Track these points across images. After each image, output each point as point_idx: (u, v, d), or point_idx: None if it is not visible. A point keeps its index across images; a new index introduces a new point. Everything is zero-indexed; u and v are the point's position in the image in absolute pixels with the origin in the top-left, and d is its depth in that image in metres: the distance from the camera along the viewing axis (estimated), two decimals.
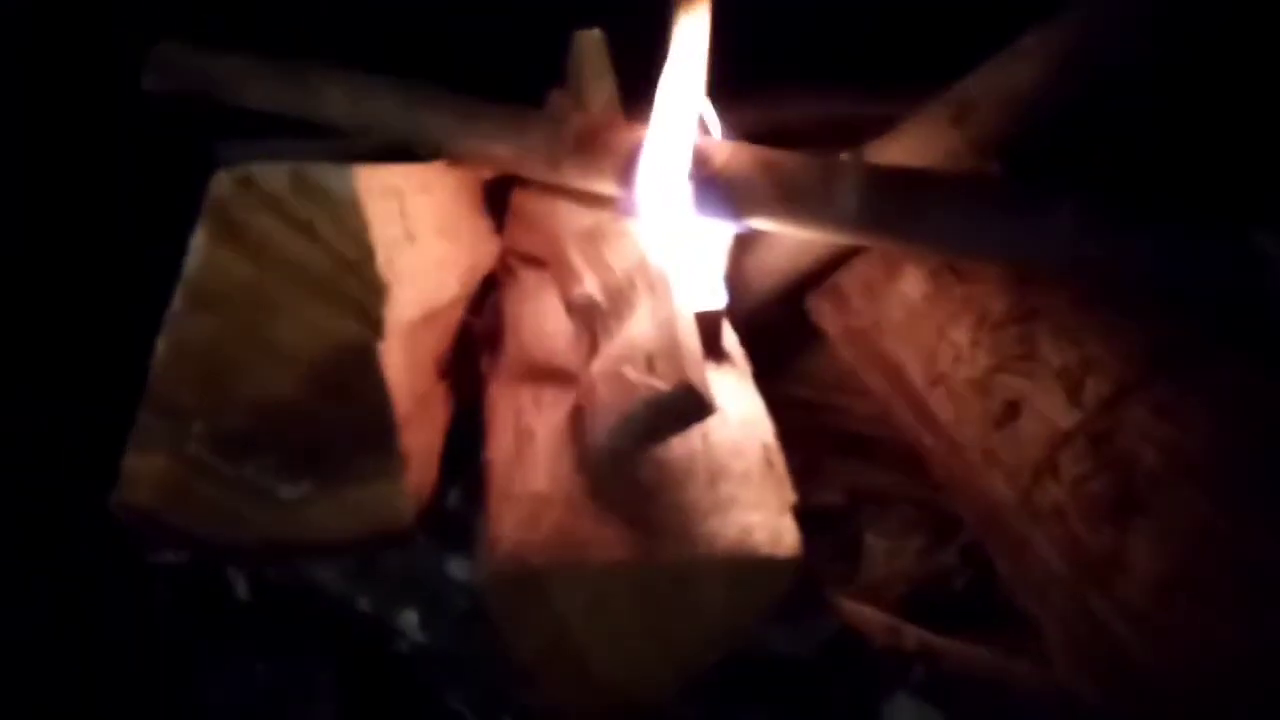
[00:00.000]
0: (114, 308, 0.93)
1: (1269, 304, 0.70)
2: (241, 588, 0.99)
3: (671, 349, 0.76)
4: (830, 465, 1.14)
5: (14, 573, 1.01)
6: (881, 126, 1.06)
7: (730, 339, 0.97)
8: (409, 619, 0.95)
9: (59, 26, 1.28)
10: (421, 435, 0.81)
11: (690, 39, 0.91)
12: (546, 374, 0.91)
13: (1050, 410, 0.77)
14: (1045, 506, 0.74)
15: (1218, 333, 0.73)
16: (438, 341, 0.89)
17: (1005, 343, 0.85)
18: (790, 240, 1.06)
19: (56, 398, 1.15)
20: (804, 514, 1.06)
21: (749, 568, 0.71)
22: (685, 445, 0.80)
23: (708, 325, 0.93)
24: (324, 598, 0.97)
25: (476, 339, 0.97)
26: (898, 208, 0.82)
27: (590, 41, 1.15)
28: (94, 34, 1.26)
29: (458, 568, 0.90)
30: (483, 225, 1.11)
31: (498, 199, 1.16)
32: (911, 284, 1.00)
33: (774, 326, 1.22)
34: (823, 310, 1.17)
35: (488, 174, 1.14)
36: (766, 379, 1.21)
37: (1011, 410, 0.81)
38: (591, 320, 0.88)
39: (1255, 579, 0.57)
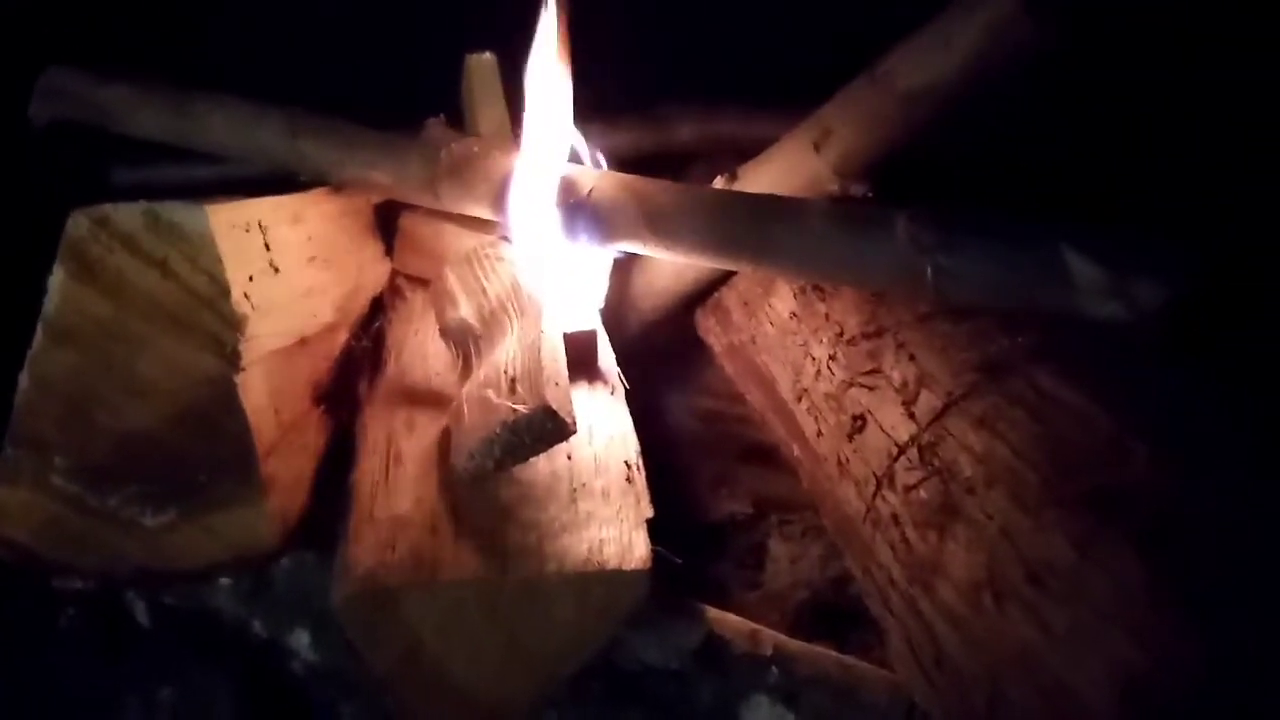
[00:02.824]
0: None
1: (1075, 315, 0.75)
2: (141, 613, 1.00)
3: (534, 372, 0.80)
4: (737, 474, 1.17)
5: None
6: (762, 146, 1.10)
7: (605, 358, 1.00)
8: (300, 639, 0.97)
9: None
10: (290, 460, 0.84)
11: (554, 67, 0.94)
12: (423, 397, 0.94)
13: (890, 423, 0.81)
14: (885, 515, 0.78)
15: (1038, 344, 0.77)
16: (314, 367, 0.92)
17: (856, 359, 0.89)
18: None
19: None
20: (711, 522, 1.10)
21: (598, 582, 0.74)
22: (551, 464, 0.84)
23: (580, 346, 0.96)
24: (220, 621, 0.98)
25: (356, 362, 0.99)
26: (746, 233, 0.86)
27: (482, 65, 1.17)
28: None
29: None
30: (371, 249, 1.14)
31: (392, 221, 1.18)
32: (782, 301, 1.04)
33: (675, 340, 1.26)
34: (708, 326, 1.21)
35: (376, 198, 1.16)
36: (672, 392, 1.25)
37: (860, 423, 0.85)
38: (466, 344, 0.92)
39: (1042, 576, 0.61)
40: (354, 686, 0.96)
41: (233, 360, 0.74)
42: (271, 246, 0.82)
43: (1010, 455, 0.69)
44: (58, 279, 0.74)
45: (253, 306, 0.76)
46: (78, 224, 0.73)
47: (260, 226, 0.81)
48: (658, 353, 1.23)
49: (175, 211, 0.72)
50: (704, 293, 1.19)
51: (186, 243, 0.73)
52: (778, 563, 1.08)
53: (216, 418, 0.75)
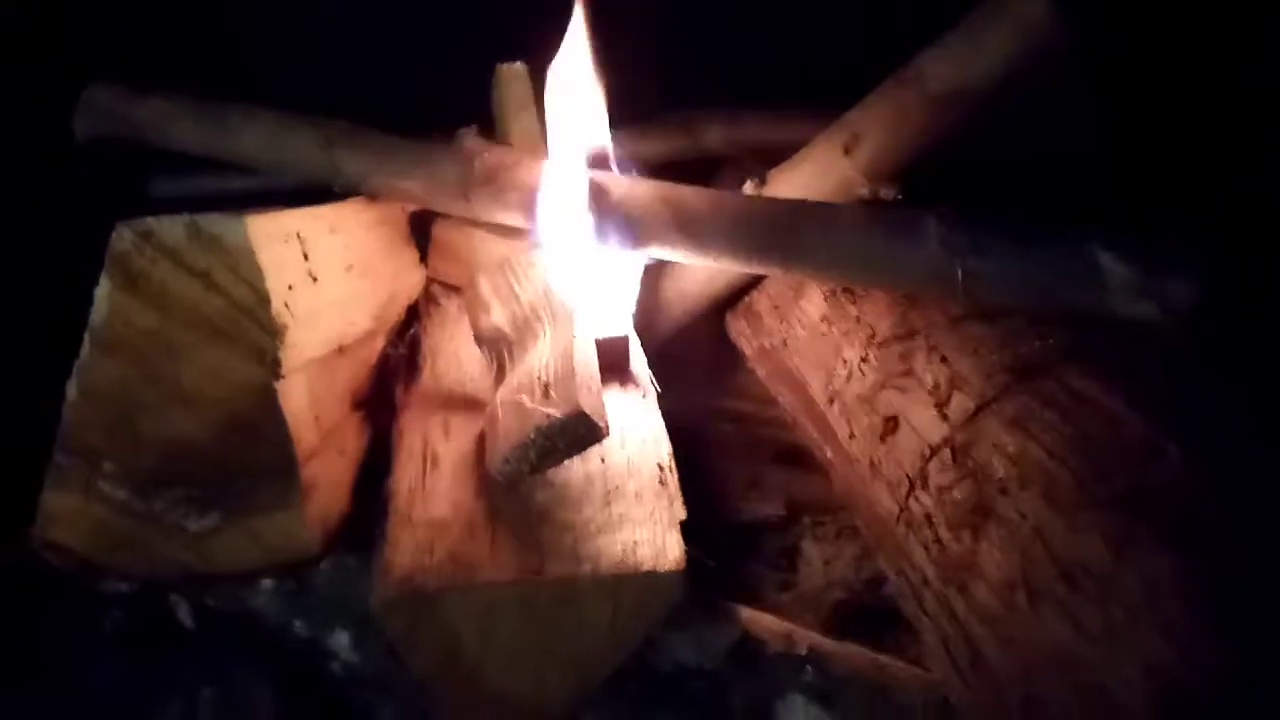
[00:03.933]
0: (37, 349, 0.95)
1: (1106, 315, 0.74)
2: (185, 615, 1.02)
3: (567, 376, 0.81)
4: (770, 476, 1.17)
5: None
6: (791, 150, 1.11)
7: (637, 363, 1.01)
8: (341, 640, 0.98)
9: None
10: (330, 465, 0.85)
11: (580, 75, 0.95)
12: (458, 402, 0.95)
13: (923, 424, 0.81)
14: (918, 516, 0.78)
15: (1070, 345, 0.77)
16: (352, 373, 0.93)
17: (889, 360, 0.89)
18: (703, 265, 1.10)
19: None
20: (744, 524, 1.11)
21: (633, 583, 0.75)
22: (585, 467, 0.85)
23: (613, 351, 0.97)
24: (262, 622, 1.00)
25: (392, 368, 1.01)
26: (776, 237, 0.86)
27: (512, 75, 1.18)
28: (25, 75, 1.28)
29: None
30: (407, 256, 1.15)
31: (426, 230, 1.20)
32: (813, 304, 1.05)
33: (706, 344, 1.27)
34: (739, 330, 1.21)
35: (410, 207, 1.18)
36: (703, 395, 1.26)
37: (892, 425, 0.85)
38: (499, 349, 0.93)
39: (1076, 576, 0.61)
40: (393, 688, 0.98)
41: (274, 368, 0.76)
42: (310, 256, 0.84)
43: (1043, 456, 0.69)
44: (104, 290, 0.76)
45: (293, 315, 0.77)
46: (122, 237, 0.75)
47: (299, 237, 0.83)
48: (689, 356, 1.24)
49: (216, 224, 0.74)
50: (735, 297, 1.20)
51: (228, 254, 0.74)
52: (811, 564, 1.09)
53: (258, 425, 0.77)
